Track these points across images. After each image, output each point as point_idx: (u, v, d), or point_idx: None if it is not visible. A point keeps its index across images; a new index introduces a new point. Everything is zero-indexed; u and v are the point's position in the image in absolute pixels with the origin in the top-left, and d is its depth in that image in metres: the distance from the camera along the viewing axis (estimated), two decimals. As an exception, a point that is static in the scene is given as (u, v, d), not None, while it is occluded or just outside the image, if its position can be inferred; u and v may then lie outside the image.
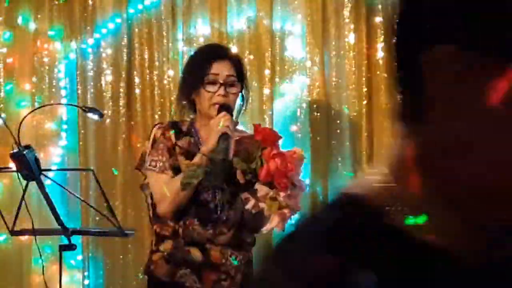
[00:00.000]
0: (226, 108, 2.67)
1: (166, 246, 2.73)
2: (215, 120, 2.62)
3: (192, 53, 2.96)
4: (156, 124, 2.86)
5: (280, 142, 2.46)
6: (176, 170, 2.70)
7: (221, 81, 2.71)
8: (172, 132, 2.76)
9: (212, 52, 2.82)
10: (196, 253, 2.70)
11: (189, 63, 2.89)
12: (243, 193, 2.44)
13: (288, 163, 2.34)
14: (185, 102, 2.82)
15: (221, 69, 2.73)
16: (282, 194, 2.34)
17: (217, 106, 2.69)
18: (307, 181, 3.96)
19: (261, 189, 2.36)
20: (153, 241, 2.80)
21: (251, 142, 2.46)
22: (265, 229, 2.45)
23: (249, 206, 2.43)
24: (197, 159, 2.62)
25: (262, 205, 2.37)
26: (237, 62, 2.81)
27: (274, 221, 2.39)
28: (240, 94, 2.81)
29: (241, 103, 2.86)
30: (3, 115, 4.06)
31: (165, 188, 2.66)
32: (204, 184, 2.64)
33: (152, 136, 2.78)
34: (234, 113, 2.81)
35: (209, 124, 2.69)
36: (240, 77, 2.79)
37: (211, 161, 2.54)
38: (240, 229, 2.72)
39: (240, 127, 2.94)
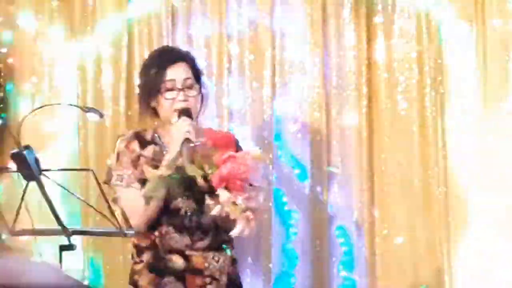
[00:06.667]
0: (185, 112, 2.62)
1: (147, 256, 2.71)
2: (175, 127, 2.58)
3: (145, 59, 2.87)
4: (119, 136, 2.82)
5: (234, 142, 2.43)
6: (144, 182, 2.66)
7: (179, 87, 2.64)
8: (135, 143, 2.72)
9: (165, 57, 2.72)
10: (178, 260, 2.68)
11: (143, 70, 2.80)
12: (208, 199, 2.43)
13: (240, 166, 2.31)
14: (146, 110, 2.77)
15: (177, 74, 2.66)
16: (240, 197, 2.32)
17: (177, 111, 2.63)
18: (308, 182, 3.97)
19: (222, 194, 2.34)
20: (134, 253, 2.77)
21: (205, 147, 2.44)
22: (232, 234, 2.43)
23: (215, 212, 2.42)
24: (159, 171, 2.59)
25: (227, 209, 2.36)
26: (192, 63, 2.74)
27: (240, 225, 2.38)
28: (200, 94, 2.74)
29: (201, 103, 2.78)
30: (3, 115, 4.06)
31: (134, 202, 2.64)
32: (173, 192, 2.62)
33: (116, 150, 2.75)
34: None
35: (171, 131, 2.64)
36: (197, 77, 2.73)
37: (176, 169, 2.52)
38: (217, 231, 2.69)
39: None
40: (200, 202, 2.62)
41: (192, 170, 2.39)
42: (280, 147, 4.01)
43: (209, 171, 2.36)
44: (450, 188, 3.95)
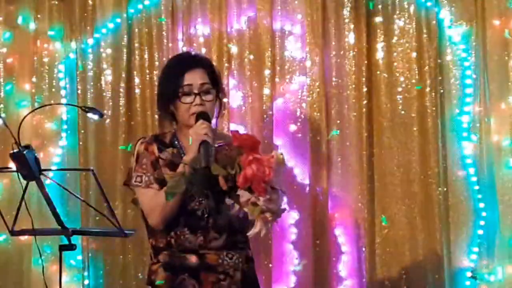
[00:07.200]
0: (203, 116, 2.68)
1: (163, 256, 2.75)
2: (194, 129, 2.63)
3: (166, 63, 2.94)
4: (139, 139, 2.87)
5: (260, 146, 2.48)
6: (162, 183, 2.70)
7: (196, 91, 2.72)
8: (154, 146, 2.77)
9: (183, 63, 2.81)
10: (192, 258, 2.72)
11: (162, 76, 2.87)
12: (227, 199, 2.46)
13: (265, 168, 2.36)
14: (165, 115, 2.83)
15: (194, 79, 2.74)
16: (261, 199, 2.36)
17: (194, 115, 2.69)
18: (307, 181, 3.97)
19: (243, 195, 2.39)
20: (151, 254, 2.81)
21: (230, 148, 2.49)
22: (249, 234, 2.46)
23: (234, 211, 2.45)
24: (179, 169, 2.63)
25: (246, 209, 2.40)
26: (209, 69, 2.81)
27: (258, 225, 2.42)
28: (217, 99, 2.81)
29: (218, 108, 2.85)
30: (3, 115, 4.06)
31: (153, 202, 2.68)
32: (190, 193, 2.66)
33: (135, 152, 2.79)
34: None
35: (189, 133, 2.69)
36: (214, 82, 2.79)
37: (193, 170, 2.56)
38: (232, 232, 2.73)
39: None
40: (218, 202, 2.66)
41: (215, 169, 2.43)
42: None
43: (232, 172, 2.40)
44: (450, 188, 3.96)
